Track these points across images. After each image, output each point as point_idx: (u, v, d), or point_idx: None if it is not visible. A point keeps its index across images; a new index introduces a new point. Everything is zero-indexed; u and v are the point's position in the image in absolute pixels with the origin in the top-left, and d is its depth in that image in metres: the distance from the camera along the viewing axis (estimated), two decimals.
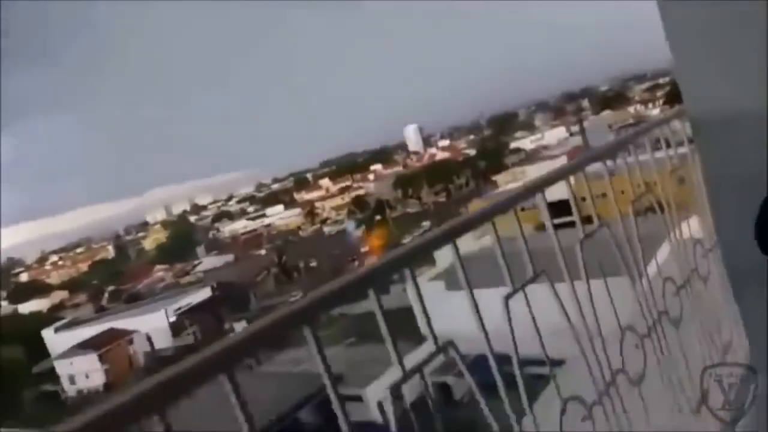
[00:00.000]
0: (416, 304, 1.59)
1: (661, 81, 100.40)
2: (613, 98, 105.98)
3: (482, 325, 1.64)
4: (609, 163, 2.46)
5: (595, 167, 2.36)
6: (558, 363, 1.91)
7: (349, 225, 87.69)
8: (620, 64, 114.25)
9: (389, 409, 1.38)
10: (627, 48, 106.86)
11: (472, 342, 1.61)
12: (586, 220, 2.21)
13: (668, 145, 2.91)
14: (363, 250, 67.16)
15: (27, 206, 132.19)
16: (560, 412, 1.86)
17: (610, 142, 2.78)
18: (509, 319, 1.75)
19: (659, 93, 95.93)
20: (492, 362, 1.64)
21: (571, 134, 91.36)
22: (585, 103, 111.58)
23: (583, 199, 2.18)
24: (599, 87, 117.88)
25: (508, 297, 1.76)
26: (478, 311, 1.64)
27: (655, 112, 78.97)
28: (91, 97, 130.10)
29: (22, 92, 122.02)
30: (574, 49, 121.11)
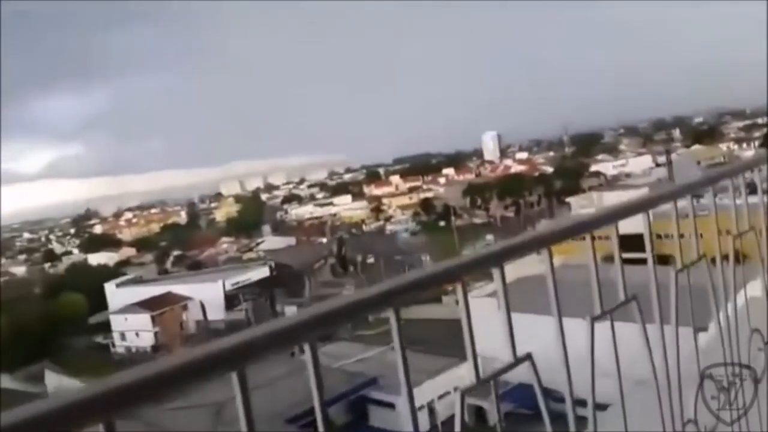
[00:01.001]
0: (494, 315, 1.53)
1: (760, 121, 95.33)
2: (706, 132, 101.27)
3: (564, 348, 1.62)
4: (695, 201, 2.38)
5: (679, 204, 2.29)
6: (603, 407, 1.85)
7: (401, 229, 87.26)
8: (719, 97, 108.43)
9: (458, 410, 1.40)
10: (728, 81, 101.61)
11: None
12: (660, 259, 2.12)
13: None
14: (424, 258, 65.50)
15: (110, 161, 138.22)
16: None
17: (699, 178, 2.56)
18: (592, 342, 1.73)
19: (756, 133, 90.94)
20: (567, 384, 1.60)
21: (657, 165, 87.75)
22: (676, 133, 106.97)
23: (659, 236, 2.12)
24: (693, 118, 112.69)
25: (594, 319, 1.74)
26: (562, 332, 1.63)
27: (748, 153, 74.72)
28: (184, 60, 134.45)
29: (120, 49, 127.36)
30: (672, 74, 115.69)
